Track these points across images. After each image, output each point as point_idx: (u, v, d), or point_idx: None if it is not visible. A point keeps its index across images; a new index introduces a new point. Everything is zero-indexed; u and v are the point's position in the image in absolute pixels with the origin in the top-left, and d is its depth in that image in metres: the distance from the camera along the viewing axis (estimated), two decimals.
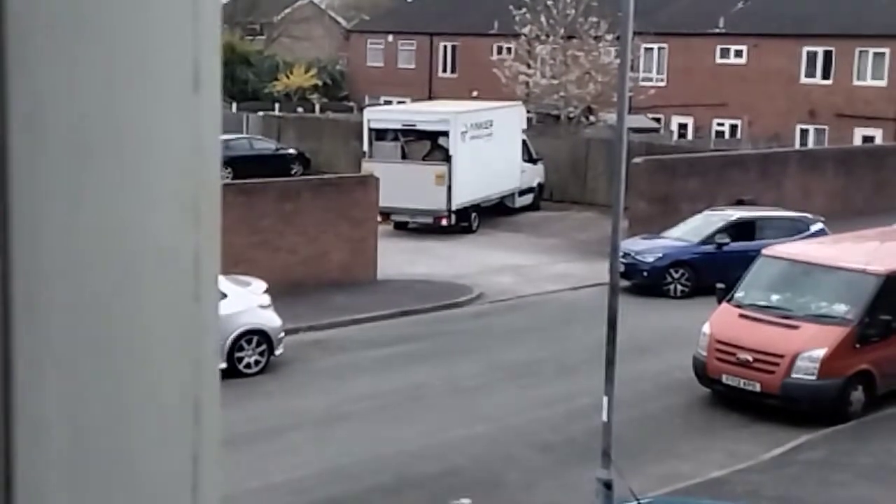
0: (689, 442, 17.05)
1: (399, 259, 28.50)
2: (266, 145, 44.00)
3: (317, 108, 55.92)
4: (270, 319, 20.18)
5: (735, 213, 27.52)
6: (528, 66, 46.21)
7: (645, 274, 26.04)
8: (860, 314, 18.12)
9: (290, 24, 64.49)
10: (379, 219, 28.31)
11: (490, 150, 34.33)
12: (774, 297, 19.19)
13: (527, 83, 45.69)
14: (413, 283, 26.89)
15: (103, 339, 0.82)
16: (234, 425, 16.04)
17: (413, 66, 59.37)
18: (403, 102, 47.29)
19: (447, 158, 33.07)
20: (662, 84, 49.87)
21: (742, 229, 26.50)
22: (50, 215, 0.79)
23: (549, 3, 44.72)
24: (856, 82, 45.94)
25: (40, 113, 0.77)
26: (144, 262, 0.85)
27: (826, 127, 46.23)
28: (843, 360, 17.85)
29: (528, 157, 37.80)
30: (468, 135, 33.63)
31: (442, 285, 26.72)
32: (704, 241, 26.36)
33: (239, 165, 36.89)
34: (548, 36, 44.84)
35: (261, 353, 20.00)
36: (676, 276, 26.06)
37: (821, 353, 17.82)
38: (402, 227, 33.23)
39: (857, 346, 18.01)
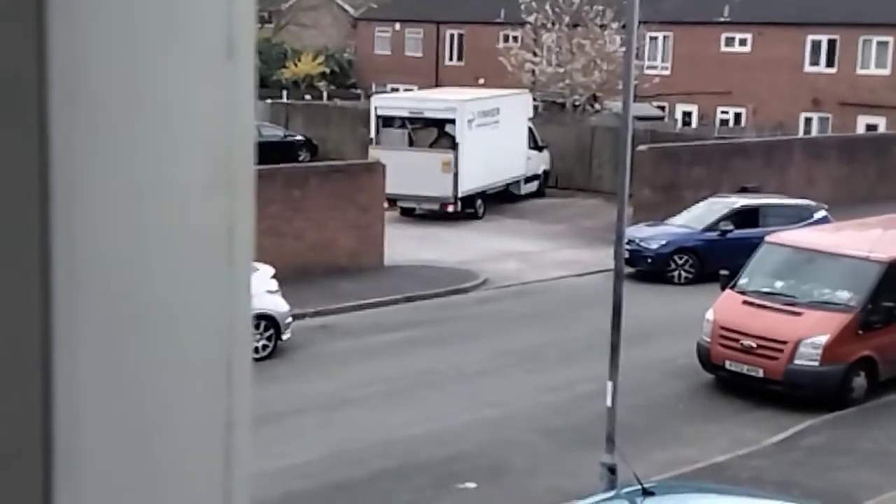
0: (693, 427, 17.15)
1: (405, 245, 28.59)
2: (274, 132, 44.04)
3: (324, 95, 55.90)
4: (278, 304, 20.26)
5: (739, 201, 27.58)
6: (535, 54, 46.21)
7: (649, 261, 26.13)
8: (863, 301, 18.20)
9: (298, 11, 64.43)
10: (386, 205, 28.39)
11: (496, 137, 34.39)
12: (778, 284, 19.27)
13: (533, 71, 45.70)
14: (419, 269, 27.00)
15: (138, 302, 0.82)
16: None
17: (420, 54, 59.35)
18: (410, 90, 47.32)
19: (454, 146, 33.13)
20: (667, 72, 49.83)
21: (746, 216, 26.56)
22: (87, 176, 0.78)
23: None
24: (860, 71, 45.89)
25: (78, 78, 0.77)
26: (179, 226, 0.85)
27: (830, 115, 46.21)
28: (846, 346, 17.95)
29: (534, 145, 37.85)
30: (475, 122, 33.69)
31: (448, 271, 26.82)
32: (708, 229, 26.43)
33: None
34: (554, 24, 44.81)
35: (268, 338, 20.09)
36: (680, 262, 26.15)
37: (823, 339, 17.92)
38: (408, 214, 33.33)
39: (860, 332, 18.09)
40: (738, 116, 48.88)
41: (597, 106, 44.78)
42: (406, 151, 33.10)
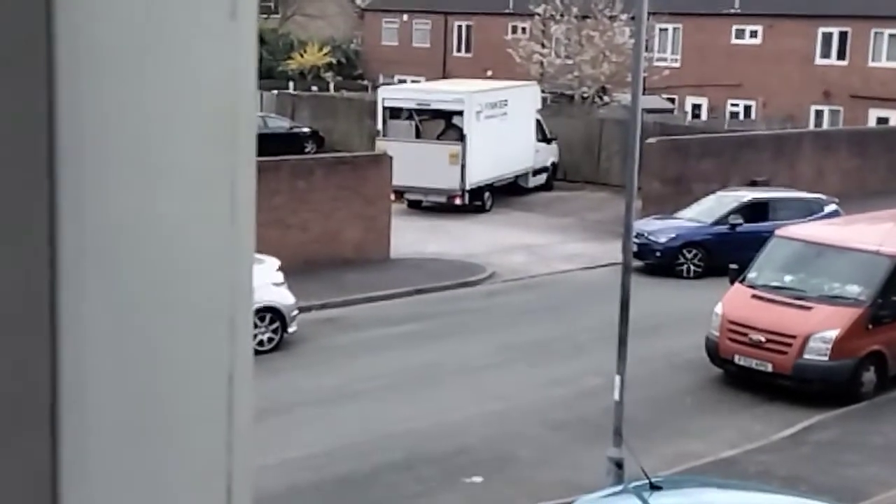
0: (701, 421, 17.07)
1: (412, 238, 28.52)
2: (280, 123, 43.99)
3: (331, 86, 55.86)
4: (283, 297, 20.22)
5: (748, 194, 27.47)
6: (543, 45, 46.11)
7: (658, 254, 26.03)
8: (873, 295, 18.11)
9: (304, 2, 64.35)
10: (392, 197, 28.32)
11: (504, 129, 34.30)
12: (787, 278, 19.19)
13: (541, 63, 45.59)
14: (426, 261, 26.92)
15: (143, 252, 0.84)
16: None
17: (427, 45, 59.28)
18: (418, 81, 47.22)
19: (461, 138, 33.03)
20: (677, 64, 49.70)
21: (755, 210, 26.44)
22: (93, 128, 0.80)
23: None
24: (871, 63, 45.73)
25: (84, 32, 0.79)
26: (181, 183, 0.86)
27: (841, 108, 46.07)
28: (856, 340, 17.86)
29: (542, 137, 37.74)
30: (483, 114, 33.60)
31: (455, 264, 26.75)
32: (717, 222, 26.33)
33: None
34: (562, 15, 44.70)
35: (274, 331, 20.05)
36: (689, 256, 26.05)
37: (833, 333, 17.83)
38: (415, 206, 33.23)
39: (870, 327, 18.00)
40: (748, 109, 48.75)
41: (605, 98, 44.67)
42: (413, 143, 33.01)
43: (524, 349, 20.09)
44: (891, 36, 45.31)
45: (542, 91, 41.02)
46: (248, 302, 0.93)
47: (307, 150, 42.06)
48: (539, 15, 45.43)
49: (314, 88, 54.50)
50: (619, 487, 11.89)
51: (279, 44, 60.09)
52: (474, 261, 27.13)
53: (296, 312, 20.57)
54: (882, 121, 44.44)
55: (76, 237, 0.80)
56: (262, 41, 59.28)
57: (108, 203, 0.82)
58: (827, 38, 46.69)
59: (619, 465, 13.29)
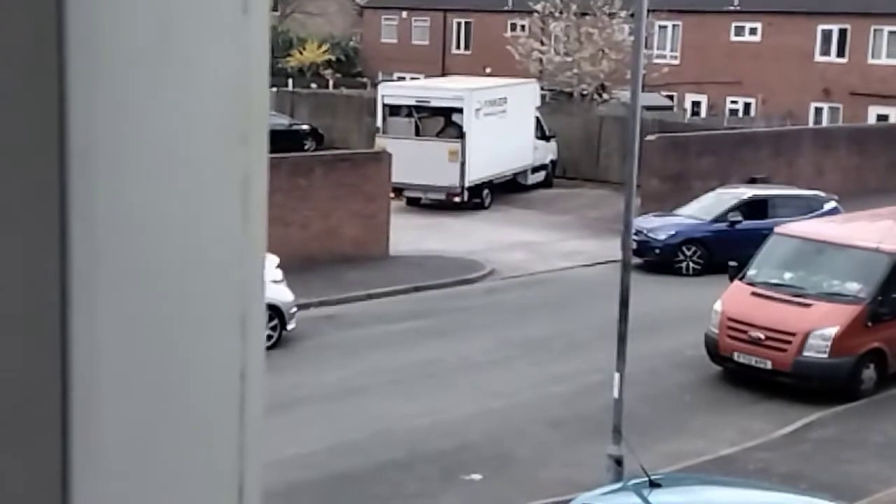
0: (700, 419, 17.07)
1: (411, 235, 28.51)
2: (279, 121, 43.93)
3: (330, 83, 55.83)
4: (283, 294, 20.20)
5: (748, 192, 27.47)
6: (542, 42, 46.09)
7: (657, 251, 26.03)
8: (872, 292, 18.11)
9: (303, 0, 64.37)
10: (392, 194, 28.31)
11: (503, 127, 34.29)
12: (787, 276, 19.19)
13: (540, 60, 45.58)
14: (425, 258, 26.92)
15: (154, 255, 0.84)
16: None
17: (427, 43, 59.24)
18: (417, 79, 47.20)
19: (461, 135, 33.04)
20: (676, 62, 49.69)
21: (755, 207, 26.44)
22: (105, 126, 0.79)
23: None
24: (871, 60, 45.71)
25: (96, 28, 0.78)
26: (194, 180, 0.86)
27: (840, 105, 46.05)
28: (855, 338, 17.85)
29: (541, 134, 37.73)
30: (482, 112, 33.59)
31: (454, 261, 26.74)
32: (717, 219, 26.33)
33: None
34: (561, 13, 44.69)
35: (273, 328, 20.02)
36: (689, 253, 26.04)
37: (833, 331, 17.83)
38: (414, 203, 33.22)
39: (869, 324, 18.00)
40: (747, 106, 48.74)
41: (605, 95, 44.65)
42: (413, 140, 33.00)
43: (524, 346, 20.09)
44: (890, 33, 45.28)
45: (542, 88, 41.00)
46: (259, 300, 0.92)
47: (306, 147, 42.05)
48: (538, 12, 45.42)
49: (313, 86, 54.45)
50: (619, 485, 11.89)
51: (278, 41, 60.00)
52: (474, 258, 27.13)
53: (295, 310, 20.57)
54: (882, 118, 44.43)
55: (87, 237, 0.79)
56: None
57: (119, 202, 0.81)
58: (826, 35, 46.68)
59: (618, 462, 13.30)
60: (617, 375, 13.87)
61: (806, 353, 17.85)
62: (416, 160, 31.28)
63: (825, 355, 17.75)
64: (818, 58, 46.92)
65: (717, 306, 19.06)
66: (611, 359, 14.16)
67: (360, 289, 23.95)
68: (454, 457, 15.31)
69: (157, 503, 0.87)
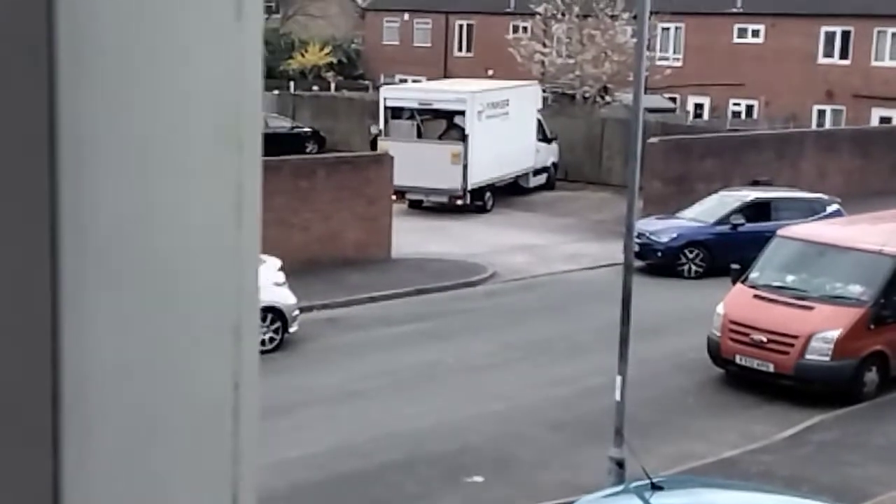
0: (702, 422, 17.06)
1: (413, 238, 28.51)
2: (281, 123, 43.97)
3: (332, 86, 55.85)
4: (285, 297, 20.21)
5: (750, 194, 27.45)
6: (544, 45, 46.06)
7: (659, 254, 26.01)
8: (875, 295, 18.09)
9: (305, 2, 64.34)
10: (394, 197, 28.31)
11: (505, 129, 34.27)
12: (789, 278, 19.17)
13: (542, 62, 45.54)
14: (427, 261, 26.91)
15: (144, 262, 0.83)
16: None
17: (429, 45, 59.24)
18: (419, 81, 47.20)
19: (463, 137, 33.02)
20: (679, 64, 49.64)
21: (757, 210, 26.42)
22: (95, 132, 0.79)
23: None
24: (874, 63, 45.68)
25: (87, 33, 0.78)
26: (186, 186, 0.85)
27: (843, 107, 46.02)
28: (858, 341, 17.84)
29: (543, 137, 37.72)
30: (484, 114, 33.57)
31: (456, 264, 26.73)
32: (719, 222, 26.31)
33: None
34: (564, 15, 44.66)
35: (275, 331, 20.04)
36: (691, 256, 26.03)
37: (835, 334, 17.81)
38: (416, 206, 33.19)
39: (872, 327, 17.98)
40: (750, 109, 48.70)
41: (607, 98, 44.63)
42: (415, 143, 32.99)
43: (525, 349, 20.08)
44: (893, 35, 45.25)
45: (544, 91, 40.98)
46: (254, 308, 0.92)
47: (308, 150, 42.05)
48: (540, 14, 45.38)
49: (315, 88, 54.47)
50: (621, 487, 11.88)
51: (280, 43, 60.04)
52: (475, 261, 27.12)
53: (297, 312, 20.57)
54: (885, 120, 44.40)
55: (78, 242, 0.79)
56: (263, 41, 59.25)
57: (110, 210, 0.80)
58: (829, 37, 46.65)
59: (620, 464, 13.29)
60: (619, 378, 13.85)
61: (808, 356, 17.84)
62: (418, 163, 31.26)
63: (828, 358, 17.73)
64: (821, 60, 46.89)
65: (720, 309, 19.05)
66: (612, 361, 14.15)
67: (361, 291, 23.95)
68: (455, 459, 15.30)
69: None
